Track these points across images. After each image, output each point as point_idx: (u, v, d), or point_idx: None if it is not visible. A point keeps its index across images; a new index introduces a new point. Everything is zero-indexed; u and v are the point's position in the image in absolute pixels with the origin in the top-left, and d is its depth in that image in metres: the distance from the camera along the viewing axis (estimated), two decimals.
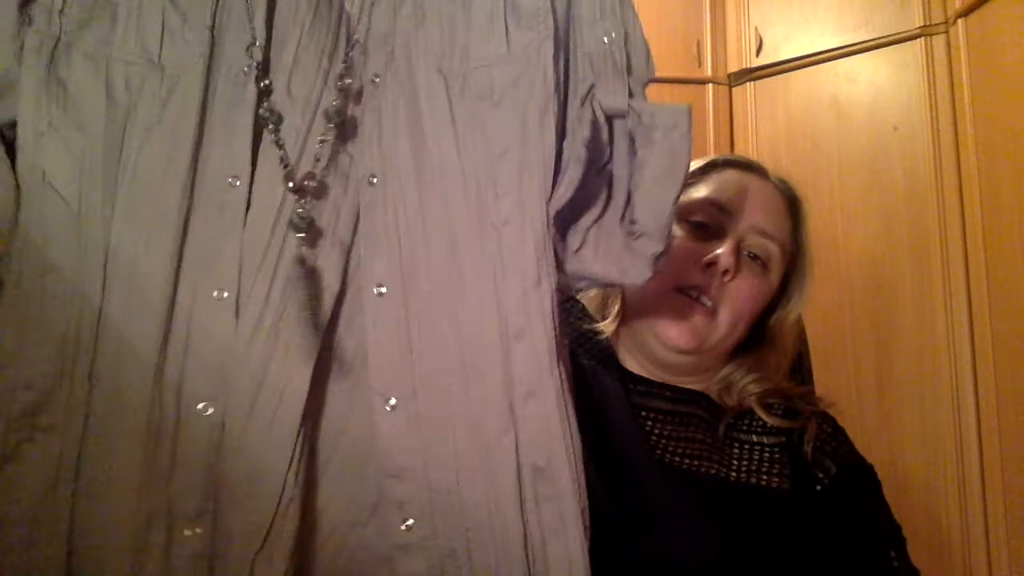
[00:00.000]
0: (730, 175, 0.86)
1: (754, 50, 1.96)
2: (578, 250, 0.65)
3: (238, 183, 0.59)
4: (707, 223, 0.83)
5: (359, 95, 0.64)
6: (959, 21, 1.58)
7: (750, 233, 0.82)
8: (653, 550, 0.68)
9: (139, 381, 0.55)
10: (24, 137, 0.58)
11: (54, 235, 0.57)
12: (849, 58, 1.79)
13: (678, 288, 0.80)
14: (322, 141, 0.61)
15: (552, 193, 0.62)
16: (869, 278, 1.70)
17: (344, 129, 0.62)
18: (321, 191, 0.60)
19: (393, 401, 0.58)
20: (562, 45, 0.65)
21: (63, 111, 0.58)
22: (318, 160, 0.60)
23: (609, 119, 0.65)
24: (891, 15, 1.72)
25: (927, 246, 1.61)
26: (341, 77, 0.62)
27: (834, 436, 0.80)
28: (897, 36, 1.71)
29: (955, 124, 1.59)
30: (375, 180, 0.61)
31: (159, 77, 0.60)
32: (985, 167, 1.51)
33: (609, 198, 0.65)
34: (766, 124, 1.95)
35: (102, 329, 0.56)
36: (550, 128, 0.63)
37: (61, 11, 0.59)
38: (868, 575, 0.71)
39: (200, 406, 0.55)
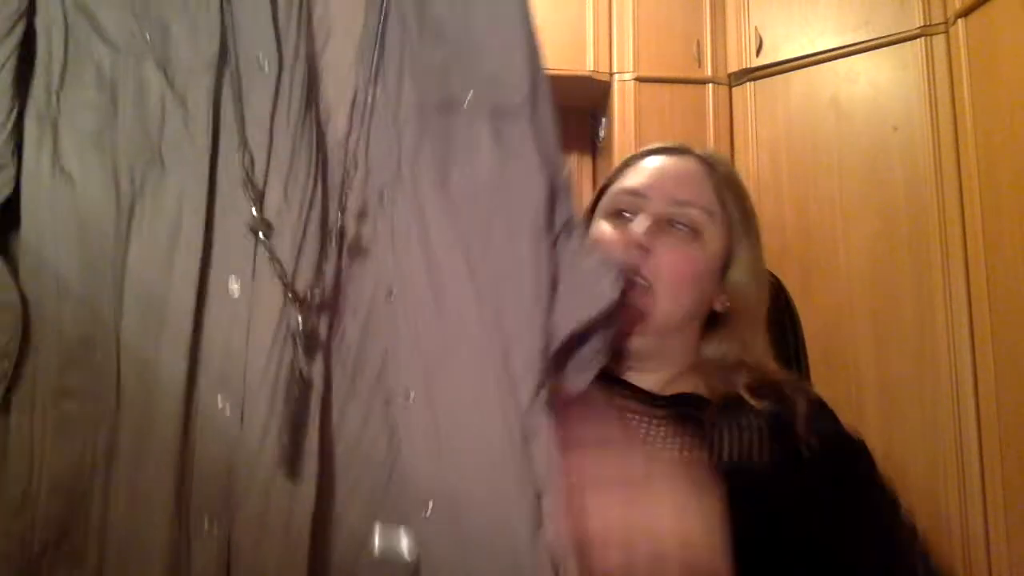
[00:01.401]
0: (646, 162, 0.90)
1: (754, 50, 1.96)
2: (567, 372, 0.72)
3: (236, 287, 0.58)
4: (624, 210, 0.86)
5: (364, 209, 0.64)
6: (959, 21, 1.58)
7: (667, 205, 0.85)
8: None
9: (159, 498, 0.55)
10: (28, 238, 0.56)
11: (71, 344, 0.55)
12: (849, 58, 1.80)
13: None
14: (321, 251, 0.61)
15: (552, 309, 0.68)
16: (869, 278, 1.70)
17: (345, 241, 0.63)
18: (325, 303, 0.61)
19: (431, 505, 0.60)
20: (545, 173, 0.70)
21: (69, 206, 0.56)
22: (319, 271, 0.61)
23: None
24: (891, 15, 1.72)
25: (927, 246, 1.61)
26: (341, 187, 0.63)
27: (820, 413, 0.80)
28: (897, 36, 1.71)
29: (955, 124, 1.59)
30: (394, 294, 0.63)
31: (160, 171, 0.57)
32: (985, 167, 1.51)
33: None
34: (766, 124, 1.95)
35: (117, 448, 0.55)
36: (544, 255, 0.68)
37: (59, 89, 0.56)
38: (862, 535, 0.71)
39: (206, 524, 0.55)
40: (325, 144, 0.65)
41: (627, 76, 2.02)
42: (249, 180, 0.60)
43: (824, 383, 1.01)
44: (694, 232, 0.85)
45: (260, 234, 0.59)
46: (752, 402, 0.80)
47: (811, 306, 1.69)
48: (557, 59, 1.92)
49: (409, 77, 0.68)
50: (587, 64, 2.02)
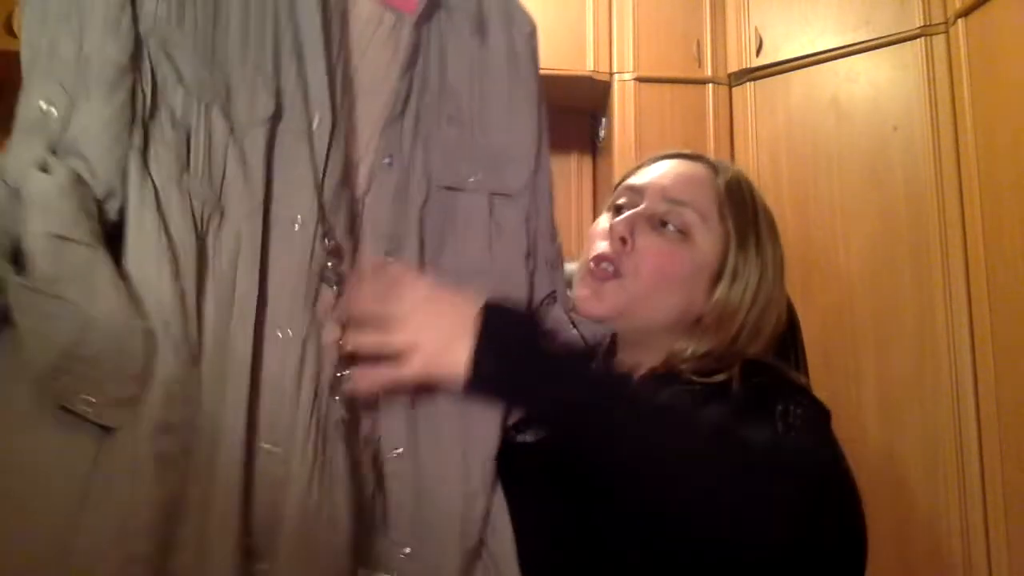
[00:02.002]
0: (657, 163, 0.90)
1: (754, 50, 1.96)
2: None
3: (289, 332, 0.60)
4: (623, 204, 0.87)
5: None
6: (959, 21, 1.58)
7: (660, 202, 0.84)
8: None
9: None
10: (131, 270, 0.56)
11: (172, 380, 0.56)
12: (849, 58, 1.80)
13: (588, 261, 0.85)
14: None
15: None
16: (869, 278, 1.70)
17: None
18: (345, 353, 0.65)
19: (407, 550, 0.66)
20: (532, 255, 0.79)
21: (164, 239, 0.57)
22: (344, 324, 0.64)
23: None
24: (891, 15, 1.72)
25: (927, 246, 1.61)
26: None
27: (757, 372, 0.78)
28: (897, 36, 1.71)
29: (955, 124, 1.59)
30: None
31: (219, 219, 0.59)
32: (985, 167, 1.51)
33: None
34: (766, 124, 1.95)
35: (189, 488, 0.55)
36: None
37: (147, 122, 0.58)
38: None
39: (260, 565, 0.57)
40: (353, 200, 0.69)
41: (627, 76, 2.02)
42: (323, 233, 0.63)
43: (824, 383, 1.01)
44: (683, 233, 0.83)
45: (331, 282, 0.63)
46: (692, 376, 0.79)
47: (811, 306, 1.69)
48: (557, 59, 1.92)
49: (423, 150, 0.73)
50: (587, 64, 2.02)
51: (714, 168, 0.89)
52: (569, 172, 2.20)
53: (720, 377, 0.78)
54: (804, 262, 1.80)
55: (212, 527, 0.55)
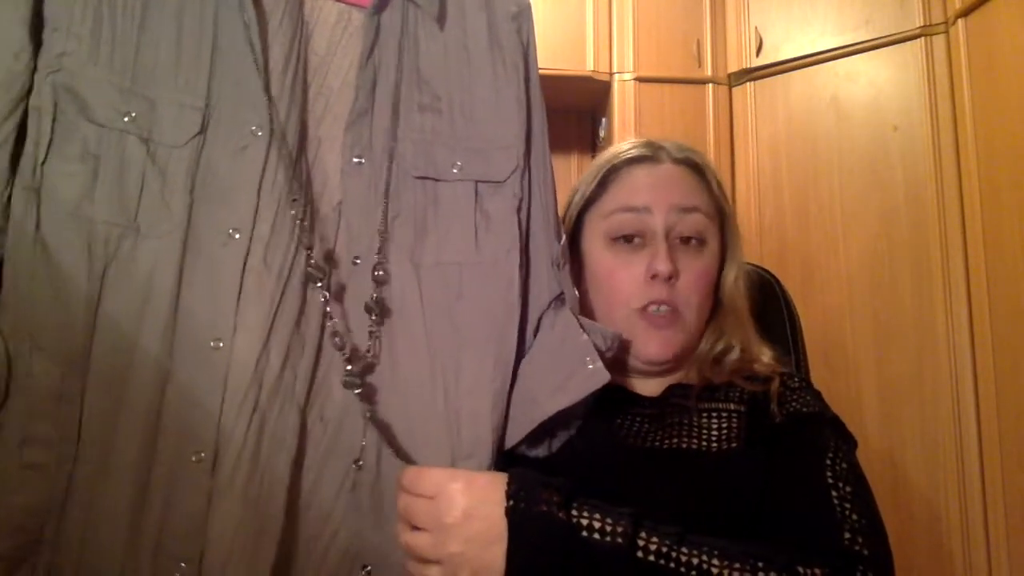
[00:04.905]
0: (630, 174, 0.88)
1: (754, 50, 1.96)
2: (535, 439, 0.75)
3: (221, 345, 0.61)
4: (632, 233, 0.84)
5: (342, 278, 0.68)
6: (959, 21, 1.58)
7: (673, 219, 0.83)
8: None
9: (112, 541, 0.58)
10: (7, 299, 0.60)
11: (39, 397, 0.59)
12: (849, 58, 1.79)
13: (638, 309, 0.83)
14: (300, 314, 0.64)
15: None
16: (869, 278, 1.70)
17: (328, 307, 0.66)
18: (298, 365, 0.64)
19: (368, 568, 0.65)
20: (525, 249, 0.76)
21: (45, 272, 0.59)
22: (297, 332, 0.64)
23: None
24: (891, 15, 1.72)
25: (927, 246, 1.61)
26: (374, 269, 0.68)
27: (793, 391, 0.80)
28: (897, 36, 1.71)
29: (955, 124, 1.59)
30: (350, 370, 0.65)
31: (135, 238, 0.61)
32: (985, 167, 1.51)
33: None
34: (766, 124, 1.95)
35: (72, 492, 0.58)
36: (513, 331, 0.73)
37: (44, 163, 0.60)
38: (803, 486, 0.70)
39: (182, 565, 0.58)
40: (317, 210, 0.68)
41: (627, 76, 2.02)
42: (237, 242, 0.62)
43: (824, 383, 1.01)
44: (700, 240, 0.85)
45: (238, 294, 0.62)
46: (732, 387, 0.81)
47: (811, 306, 1.69)
48: (557, 59, 1.93)
49: (398, 143, 0.71)
50: (587, 64, 2.02)
51: (679, 161, 0.89)
52: (569, 172, 2.20)
53: (758, 386, 0.80)
54: (804, 262, 1.80)
55: (101, 524, 0.58)
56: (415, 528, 0.62)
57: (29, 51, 0.60)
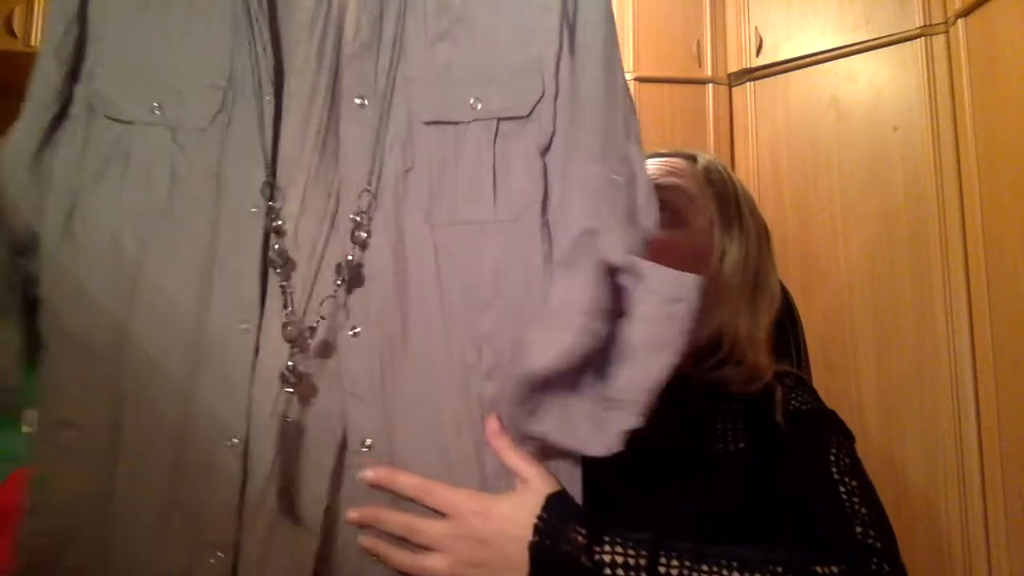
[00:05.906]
0: None
1: (754, 50, 1.96)
2: (535, 411, 0.60)
3: (247, 326, 0.60)
4: None
5: (365, 242, 0.62)
6: (959, 21, 1.58)
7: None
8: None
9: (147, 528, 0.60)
10: (44, 293, 0.64)
11: (72, 383, 0.62)
12: (849, 58, 1.79)
13: None
14: (334, 294, 0.60)
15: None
16: (869, 278, 1.70)
17: (352, 281, 0.61)
18: (323, 345, 0.61)
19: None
20: (547, 208, 0.62)
21: (73, 266, 0.62)
22: (322, 316, 0.60)
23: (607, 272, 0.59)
24: (891, 15, 1.72)
25: (927, 246, 1.61)
26: (355, 229, 0.61)
27: (790, 389, 0.80)
28: (897, 36, 1.71)
29: (955, 124, 1.59)
30: (358, 331, 0.61)
31: (168, 224, 0.63)
32: (985, 167, 1.51)
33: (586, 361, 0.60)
34: (766, 124, 1.95)
35: (109, 474, 0.61)
36: (537, 290, 0.60)
37: (80, 166, 0.63)
38: (811, 483, 0.70)
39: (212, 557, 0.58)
40: (340, 180, 0.63)
41: (627, 76, 2.02)
42: (272, 217, 0.61)
43: (824, 383, 1.01)
44: (678, 215, 0.85)
45: (276, 265, 0.60)
46: (731, 385, 0.81)
47: (811, 306, 1.69)
48: None
49: (410, 85, 0.63)
50: None
51: (689, 156, 0.91)
52: None
53: (756, 385, 0.79)
54: (804, 262, 1.80)
55: (139, 512, 0.60)
56: (421, 547, 0.60)
57: (70, 64, 0.65)
